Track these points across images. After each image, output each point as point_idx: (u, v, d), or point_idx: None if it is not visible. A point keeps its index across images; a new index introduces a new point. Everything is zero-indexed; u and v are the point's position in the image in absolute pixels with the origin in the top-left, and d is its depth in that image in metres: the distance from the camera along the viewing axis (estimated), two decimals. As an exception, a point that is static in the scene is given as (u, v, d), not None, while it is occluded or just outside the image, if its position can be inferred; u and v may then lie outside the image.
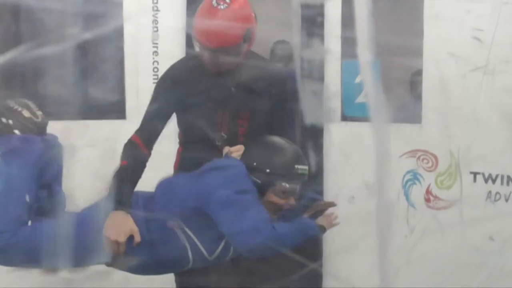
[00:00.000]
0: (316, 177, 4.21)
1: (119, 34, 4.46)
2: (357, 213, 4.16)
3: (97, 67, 4.18)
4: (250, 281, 4.11)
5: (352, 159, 4.24)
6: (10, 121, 2.84)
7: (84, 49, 4.25)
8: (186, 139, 3.31)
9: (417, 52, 4.01)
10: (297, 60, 5.49)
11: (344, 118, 4.29)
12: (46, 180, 2.89)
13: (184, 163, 3.30)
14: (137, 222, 2.77)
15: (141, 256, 2.79)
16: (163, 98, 3.16)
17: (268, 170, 2.82)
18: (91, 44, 3.99)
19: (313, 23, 4.32)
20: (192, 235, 2.77)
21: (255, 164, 2.84)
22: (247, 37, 2.97)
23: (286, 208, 2.89)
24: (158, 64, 4.41)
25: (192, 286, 3.31)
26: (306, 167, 2.92)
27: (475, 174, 3.87)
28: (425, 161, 4.01)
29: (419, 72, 4.09)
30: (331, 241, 4.28)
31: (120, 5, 4.43)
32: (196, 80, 3.12)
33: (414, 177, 4.07)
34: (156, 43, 4.42)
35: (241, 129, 3.12)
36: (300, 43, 4.52)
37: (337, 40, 4.25)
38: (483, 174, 3.86)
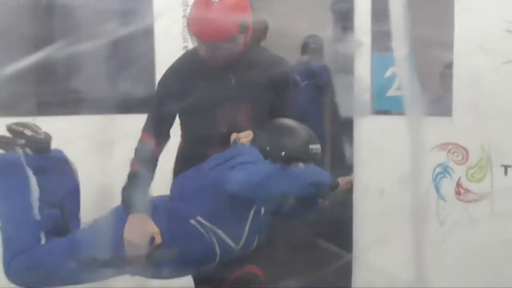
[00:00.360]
0: (347, 170, 4.26)
1: (149, 30, 4.50)
2: (387, 207, 4.16)
3: (129, 63, 4.22)
4: (281, 271, 4.24)
5: (382, 153, 4.24)
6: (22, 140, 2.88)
7: (116, 46, 4.27)
8: (187, 134, 3.33)
9: (448, 45, 3.99)
10: (328, 54, 5.58)
11: (375, 111, 4.30)
12: (57, 198, 2.89)
13: (184, 158, 3.31)
14: (158, 225, 2.77)
15: (167, 259, 2.81)
16: (168, 94, 3.17)
17: (283, 153, 2.85)
18: (123, 40, 3.99)
19: (344, 16, 4.43)
20: (215, 228, 2.78)
21: (268, 148, 2.87)
22: (243, 29, 2.98)
23: None
24: (188, 59, 4.52)
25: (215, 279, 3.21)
26: (319, 146, 2.97)
27: (506, 167, 3.82)
28: (455, 154, 3.98)
29: (449, 65, 4.04)
30: (362, 234, 4.29)
31: (150, 1, 4.47)
32: (196, 75, 3.11)
33: (444, 170, 4.03)
34: (187, 38, 4.35)
35: (243, 123, 3.13)
36: (331, 37, 4.61)
37: (367, 33, 4.24)
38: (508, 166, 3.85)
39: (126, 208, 2.88)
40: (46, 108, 4.41)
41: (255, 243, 2.95)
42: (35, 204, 2.80)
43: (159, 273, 2.91)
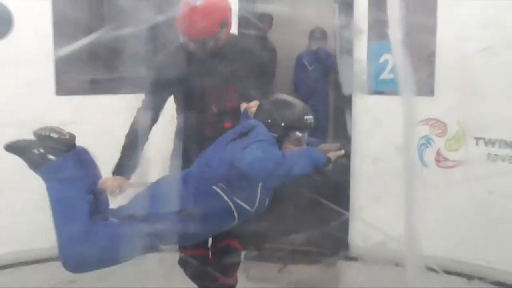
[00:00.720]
0: (347, 140, 4.52)
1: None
2: (380, 172, 4.46)
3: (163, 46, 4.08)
4: (284, 228, 4.66)
5: (376, 127, 4.48)
6: (42, 150, 2.86)
7: (153, 31, 4.40)
8: (183, 115, 3.47)
9: (432, 33, 4.29)
10: (332, 41, 5.81)
11: (371, 92, 4.62)
12: (88, 186, 2.94)
13: (182, 136, 3.42)
14: (187, 191, 2.91)
15: (194, 225, 2.89)
16: (162, 81, 3.32)
17: (283, 124, 2.97)
18: (162, 26, 3.98)
19: (346, 7, 4.66)
20: (233, 196, 2.89)
21: (269, 121, 2.99)
22: (223, 25, 3.16)
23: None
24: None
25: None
26: (312, 117, 3.05)
27: (477, 139, 4.21)
28: (436, 128, 4.35)
29: (433, 52, 4.30)
30: (358, 195, 4.68)
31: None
32: (186, 64, 3.25)
33: (427, 142, 4.40)
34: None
35: (232, 102, 3.32)
36: (334, 27, 4.93)
37: (364, 22, 4.52)
38: (484, 139, 4.20)
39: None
40: (96, 87, 4.69)
41: (265, 205, 3.10)
42: (80, 195, 2.89)
43: (186, 237, 3.02)
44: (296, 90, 6.93)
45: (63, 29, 4.48)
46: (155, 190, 3.02)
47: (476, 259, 4.21)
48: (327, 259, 4.66)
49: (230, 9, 3.26)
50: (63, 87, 4.37)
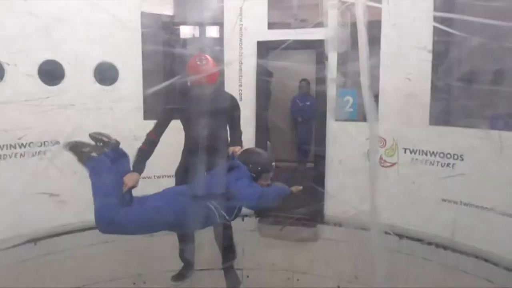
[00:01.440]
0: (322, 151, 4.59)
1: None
2: (344, 169, 4.51)
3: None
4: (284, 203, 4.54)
5: (340, 140, 4.54)
6: (88, 149, 2.83)
7: None
8: (186, 135, 3.48)
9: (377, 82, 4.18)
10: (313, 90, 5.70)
11: (337, 119, 4.57)
12: (119, 179, 2.85)
13: (187, 150, 3.46)
14: (187, 208, 2.79)
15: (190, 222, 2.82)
16: (168, 111, 3.37)
17: (259, 168, 3.01)
18: None
19: (322, 67, 4.51)
20: (219, 209, 2.84)
21: (250, 166, 3.00)
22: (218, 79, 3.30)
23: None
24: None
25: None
26: (274, 163, 3.12)
27: (405, 149, 4.17)
28: (379, 142, 4.26)
29: (377, 94, 4.14)
30: (329, 184, 4.61)
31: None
32: (190, 99, 3.31)
33: None
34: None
35: (215, 128, 3.31)
36: (315, 79, 4.95)
37: (334, 76, 4.47)
38: (409, 149, 4.15)
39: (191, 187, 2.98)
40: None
41: (238, 215, 3.01)
42: (113, 184, 2.81)
43: (187, 227, 2.91)
44: (294, 118, 7.05)
45: (148, 77, 4.49)
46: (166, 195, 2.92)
47: (405, 224, 4.16)
48: (311, 223, 4.66)
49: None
50: (148, 114, 4.34)
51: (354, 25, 3.68)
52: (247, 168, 3.00)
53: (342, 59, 4.53)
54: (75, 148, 2.86)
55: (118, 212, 2.71)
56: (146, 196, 2.91)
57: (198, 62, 3.22)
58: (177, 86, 3.60)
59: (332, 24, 4.37)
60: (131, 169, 3.03)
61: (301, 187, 3.18)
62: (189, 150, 3.43)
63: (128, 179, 2.91)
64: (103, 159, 2.82)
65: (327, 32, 4.35)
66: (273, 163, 3.11)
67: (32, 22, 3.81)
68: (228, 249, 3.76)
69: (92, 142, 2.89)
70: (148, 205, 2.83)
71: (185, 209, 2.80)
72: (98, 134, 2.90)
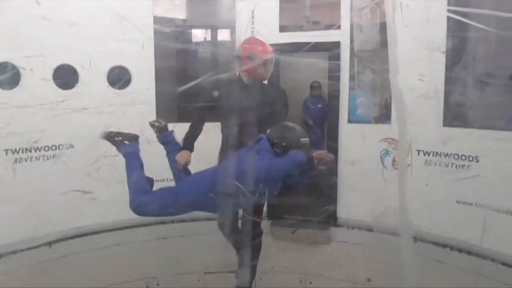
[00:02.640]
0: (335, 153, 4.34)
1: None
2: (356, 172, 4.48)
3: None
4: (297, 206, 4.55)
5: (353, 143, 4.51)
6: (120, 138, 3.07)
7: None
8: (226, 123, 3.33)
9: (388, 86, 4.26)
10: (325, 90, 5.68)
11: (350, 121, 4.56)
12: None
13: (225, 139, 3.34)
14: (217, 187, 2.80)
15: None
16: (212, 98, 3.31)
17: (284, 144, 2.85)
18: None
19: (334, 70, 4.54)
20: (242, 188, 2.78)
21: (275, 140, 2.87)
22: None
23: None
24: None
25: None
26: (307, 140, 2.91)
27: (418, 151, 4.10)
28: (392, 144, 4.26)
29: (389, 97, 4.14)
30: (342, 186, 4.59)
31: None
32: (236, 91, 3.27)
33: (386, 152, 4.32)
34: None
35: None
36: (327, 81, 4.76)
37: (346, 78, 4.47)
38: (423, 151, 4.08)
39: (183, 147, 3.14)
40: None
41: (264, 199, 2.97)
42: (140, 166, 3.00)
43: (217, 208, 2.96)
44: (305, 120, 7.00)
45: (161, 80, 4.51)
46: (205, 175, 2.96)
47: (419, 227, 4.06)
48: (323, 225, 4.64)
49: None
50: (161, 117, 4.09)
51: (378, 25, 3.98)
52: (269, 143, 2.89)
53: (358, 60, 4.48)
54: (110, 137, 3.11)
55: (149, 195, 2.86)
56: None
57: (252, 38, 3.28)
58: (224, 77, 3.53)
59: (346, 25, 4.38)
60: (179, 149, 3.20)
61: (330, 154, 3.00)
62: (227, 146, 3.34)
63: (180, 157, 3.11)
64: (134, 145, 3.07)
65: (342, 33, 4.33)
66: (303, 140, 2.90)
67: (47, 26, 3.82)
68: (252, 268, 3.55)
69: (125, 132, 3.14)
70: (177, 187, 2.98)
71: (212, 188, 2.82)
72: (154, 121, 3.27)
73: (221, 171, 2.91)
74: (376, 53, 4.25)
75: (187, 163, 3.15)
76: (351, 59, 4.43)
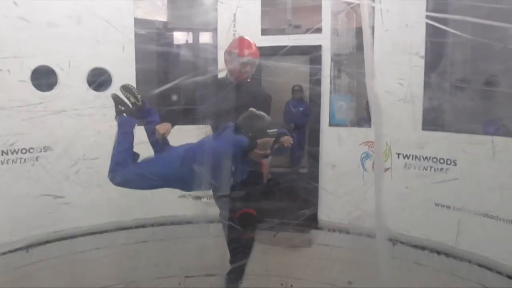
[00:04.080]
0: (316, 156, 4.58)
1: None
2: (337, 172, 4.51)
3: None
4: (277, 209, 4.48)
5: (334, 146, 4.53)
6: (122, 107, 2.93)
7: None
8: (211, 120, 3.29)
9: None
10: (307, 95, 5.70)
11: (331, 124, 4.58)
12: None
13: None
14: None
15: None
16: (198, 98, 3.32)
17: (250, 134, 2.73)
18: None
19: (315, 73, 4.54)
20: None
21: (242, 130, 2.76)
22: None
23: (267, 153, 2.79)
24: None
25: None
26: (275, 130, 2.78)
27: (398, 154, 4.14)
28: (372, 147, 4.21)
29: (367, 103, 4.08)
30: (323, 188, 4.60)
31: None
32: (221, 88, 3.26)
33: (366, 156, 4.33)
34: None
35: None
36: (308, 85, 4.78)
37: (327, 82, 4.50)
38: (402, 154, 4.12)
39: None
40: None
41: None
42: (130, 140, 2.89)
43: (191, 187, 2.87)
44: (287, 123, 6.99)
45: (142, 83, 4.44)
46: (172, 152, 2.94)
47: (398, 229, 4.09)
48: (304, 228, 4.64)
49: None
50: None
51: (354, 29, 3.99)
52: (236, 131, 2.80)
53: (337, 64, 4.52)
54: (116, 100, 2.96)
55: (129, 168, 2.81)
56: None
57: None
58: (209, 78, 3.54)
59: (327, 29, 4.40)
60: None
61: (286, 138, 2.89)
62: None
63: (160, 127, 2.98)
64: (130, 120, 2.92)
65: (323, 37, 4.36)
66: (271, 131, 2.77)
67: (24, 27, 3.76)
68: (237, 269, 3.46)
69: (131, 106, 2.97)
70: (154, 159, 2.91)
71: (186, 166, 2.76)
72: (119, 101, 2.96)
73: (188, 151, 2.86)
74: (352, 57, 4.29)
75: (166, 133, 3.04)
76: (332, 63, 4.47)
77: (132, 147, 2.90)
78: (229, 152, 2.72)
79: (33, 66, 3.89)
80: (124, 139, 2.89)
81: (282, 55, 4.54)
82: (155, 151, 3.02)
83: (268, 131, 2.76)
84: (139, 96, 2.94)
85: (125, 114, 2.93)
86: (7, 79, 3.75)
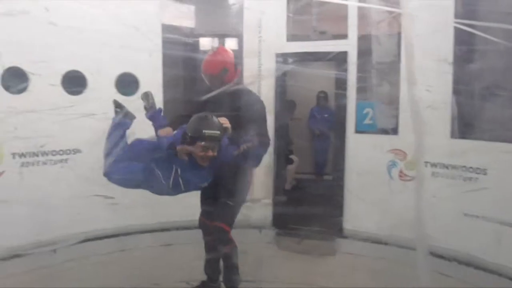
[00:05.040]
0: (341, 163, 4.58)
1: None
2: (363, 183, 4.47)
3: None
4: (303, 216, 4.60)
5: (361, 153, 4.52)
6: (118, 109, 3.17)
7: None
8: None
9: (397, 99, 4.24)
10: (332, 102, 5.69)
11: (357, 131, 4.55)
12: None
13: None
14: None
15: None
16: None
17: (189, 134, 2.75)
18: None
19: (341, 82, 4.54)
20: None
21: (187, 131, 2.78)
22: (224, 71, 3.24)
23: (210, 155, 2.76)
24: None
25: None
26: (214, 132, 2.73)
27: (426, 162, 3.98)
28: (399, 155, 4.27)
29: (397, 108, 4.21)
30: (348, 196, 4.56)
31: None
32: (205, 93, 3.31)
33: (393, 164, 4.32)
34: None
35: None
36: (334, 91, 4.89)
37: (353, 91, 4.50)
38: (430, 163, 4.00)
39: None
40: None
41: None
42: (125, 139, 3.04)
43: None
44: (311, 130, 7.02)
45: (168, 87, 4.55)
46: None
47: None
48: (329, 236, 4.63)
49: (231, 62, 3.29)
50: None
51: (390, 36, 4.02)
52: (181, 134, 2.87)
53: (362, 71, 4.50)
54: (116, 105, 3.20)
55: (118, 166, 2.92)
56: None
57: (210, 52, 3.31)
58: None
59: (353, 35, 4.40)
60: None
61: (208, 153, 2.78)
62: None
63: (162, 131, 3.04)
64: (126, 122, 3.12)
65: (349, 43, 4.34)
66: (207, 132, 2.72)
67: (54, 32, 3.88)
68: (228, 272, 3.41)
69: (126, 108, 3.20)
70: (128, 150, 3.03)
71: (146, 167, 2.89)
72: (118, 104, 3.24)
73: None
74: (393, 65, 4.27)
75: (167, 136, 3.07)
76: (367, 71, 4.43)
77: (125, 145, 3.04)
78: (151, 153, 2.87)
79: (63, 71, 4.01)
80: (119, 139, 3.03)
81: (307, 61, 4.56)
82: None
83: (205, 131, 2.73)
84: (151, 102, 3.14)
85: (120, 116, 3.14)
86: (38, 82, 3.87)
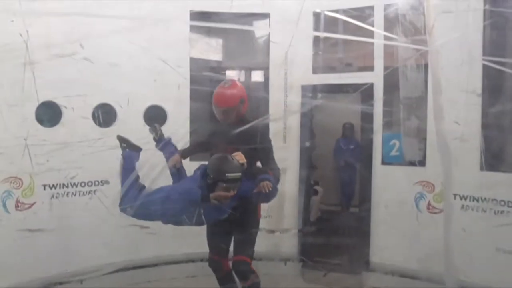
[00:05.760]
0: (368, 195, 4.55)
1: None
2: (390, 215, 4.39)
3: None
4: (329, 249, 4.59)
5: (387, 185, 4.46)
6: (124, 145, 3.41)
7: None
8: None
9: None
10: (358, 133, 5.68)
11: (383, 163, 4.53)
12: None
13: None
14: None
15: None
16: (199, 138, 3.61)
17: (211, 176, 2.82)
18: None
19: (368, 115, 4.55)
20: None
21: (207, 172, 2.85)
22: (241, 103, 3.22)
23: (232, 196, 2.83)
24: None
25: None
26: (236, 174, 2.80)
27: (455, 195, 3.98)
28: (427, 187, 4.21)
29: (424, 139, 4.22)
30: (375, 228, 4.50)
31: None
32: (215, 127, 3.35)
33: (421, 196, 4.25)
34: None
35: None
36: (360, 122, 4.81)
37: (380, 122, 4.48)
38: (459, 195, 3.99)
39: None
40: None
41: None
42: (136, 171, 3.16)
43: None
44: (337, 161, 6.99)
45: (195, 120, 4.56)
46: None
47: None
48: (355, 269, 4.57)
49: (245, 93, 3.31)
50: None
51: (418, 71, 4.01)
52: (200, 172, 2.94)
53: (389, 105, 4.51)
54: (120, 140, 3.44)
55: (136, 200, 2.99)
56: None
57: (224, 85, 3.28)
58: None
59: (379, 67, 4.42)
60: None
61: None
62: None
63: (171, 159, 3.34)
64: (134, 154, 3.34)
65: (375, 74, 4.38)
66: (230, 175, 2.80)
67: (88, 67, 4.02)
68: None
69: (131, 141, 3.45)
70: (153, 196, 3.03)
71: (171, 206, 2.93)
72: (122, 139, 3.47)
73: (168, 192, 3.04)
74: (420, 100, 4.27)
75: (175, 165, 3.33)
76: (397, 105, 4.44)
77: (137, 178, 3.17)
78: (183, 201, 2.90)
79: (94, 104, 4.13)
80: (130, 172, 3.18)
81: (333, 93, 4.56)
82: (173, 181, 3.32)
83: (227, 174, 2.80)
84: (159, 133, 3.47)
85: (127, 150, 3.39)
86: (71, 116, 3.99)
